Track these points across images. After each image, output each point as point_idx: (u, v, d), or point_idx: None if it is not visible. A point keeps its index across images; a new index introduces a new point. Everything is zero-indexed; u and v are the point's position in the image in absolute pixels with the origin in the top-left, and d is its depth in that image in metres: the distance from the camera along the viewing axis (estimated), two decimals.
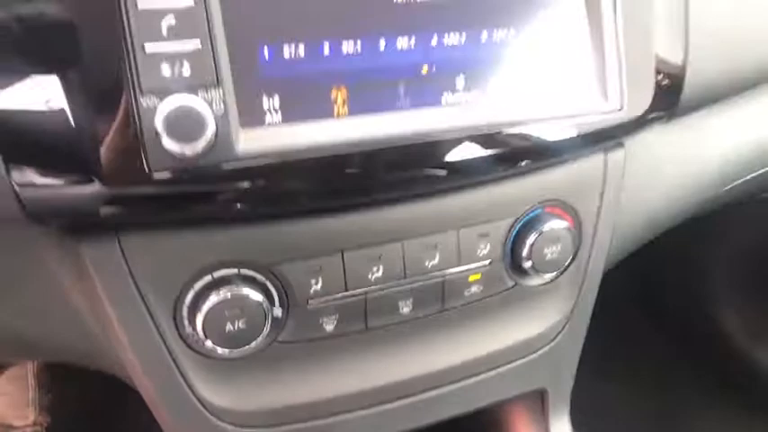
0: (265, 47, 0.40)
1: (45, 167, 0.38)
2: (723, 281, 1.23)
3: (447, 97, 0.45)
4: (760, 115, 0.69)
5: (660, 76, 0.51)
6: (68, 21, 0.36)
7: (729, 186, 0.73)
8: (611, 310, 0.88)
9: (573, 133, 0.48)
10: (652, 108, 0.51)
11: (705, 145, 0.66)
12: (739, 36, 0.57)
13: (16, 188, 0.38)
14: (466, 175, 0.48)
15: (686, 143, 0.64)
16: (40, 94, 0.37)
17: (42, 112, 0.37)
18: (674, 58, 0.53)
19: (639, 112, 0.51)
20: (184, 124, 0.36)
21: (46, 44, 0.37)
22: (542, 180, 0.53)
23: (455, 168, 0.46)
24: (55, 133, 0.37)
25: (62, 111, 0.37)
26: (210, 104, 0.38)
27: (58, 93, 0.37)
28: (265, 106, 0.40)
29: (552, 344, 0.61)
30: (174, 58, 0.37)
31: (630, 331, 1.29)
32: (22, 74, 0.37)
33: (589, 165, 0.55)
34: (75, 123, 0.37)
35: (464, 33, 0.45)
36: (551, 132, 0.48)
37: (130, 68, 0.36)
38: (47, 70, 0.37)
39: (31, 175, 0.38)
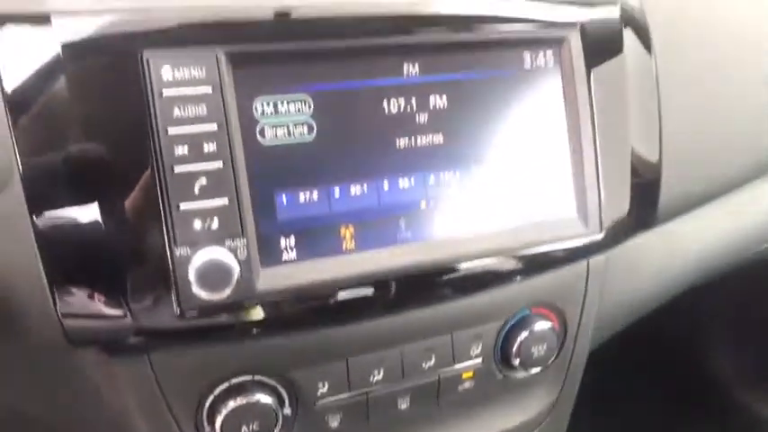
0: (283, 195, 0.46)
1: (87, 302, 0.43)
2: (719, 333, 1.26)
3: (443, 229, 0.50)
4: (737, 210, 0.74)
5: (636, 199, 0.57)
6: (112, 179, 0.42)
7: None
8: (604, 368, 0.92)
9: (557, 256, 0.54)
10: (629, 227, 0.57)
11: (685, 239, 0.71)
12: (710, 154, 0.63)
13: (61, 318, 0.43)
14: (462, 292, 0.53)
15: (666, 239, 0.69)
16: (86, 239, 0.42)
17: (87, 253, 0.43)
18: (650, 181, 0.58)
19: (618, 233, 0.56)
20: (213, 275, 0.42)
21: (92, 194, 0.42)
22: (529, 286, 0.58)
23: (453, 289, 0.52)
24: (97, 274, 0.43)
25: (104, 255, 0.43)
26: (235, 252, 0.43)
27: (102, 239, 0.42)
28: (282, 245, 0.46)
29: (539, 429, 0.66)
30: (204, 214, 0.42)
31: (626, 387, 1.31)
32: (71, 212, 0.42)
33: (572, 270, 0.60)
34: (114, 265, 0.43)
35: (457, 170, 0.50)
36: (537, 257, 0.53)
37: (166, 224, 0.42)
38: (92, 218, 0.42)
39: (74, 307, 0.43)
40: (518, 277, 0.55)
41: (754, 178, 0.70)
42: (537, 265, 0.54)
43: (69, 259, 0.43)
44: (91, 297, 0.43)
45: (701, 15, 0.65)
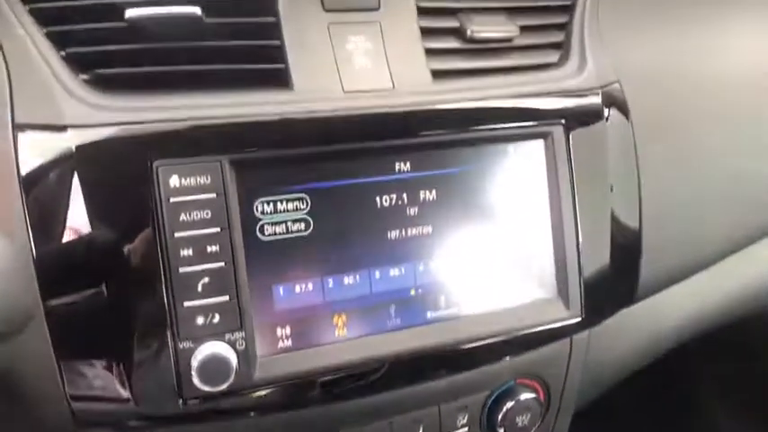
0: (281, 288, 0.49)
1: (94, 386, 0.46)
2: (716, 385, 1.26)
3: (431, 315, 0.53)
4: (720, 276, 0.76)
5: (617, 279, 0.60)
6: (121, 275, 0.45)
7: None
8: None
9: (540, 337, 0.57)
10: (610, 306, 0.60)
11: (668, 306, 0.74)
12: (691, 234, 0.66)
13: (69, 400, 0.46)
14: (450, 373, 0.56)
15: (649, 306, 0.72)
16: (95, 329, 0.46)
17: (96, 342, 0.46)
18: (630, 262, 0.61)
19: (598, 312, 0.59)
20: (213, 369, 0.45)
21: (101, 288, 0.45)
22: (514, 360, 0.61)
23: (441, 370, 0.55)
24: (105, 361, 0.46)
25: (111, 345, 0.46)
26: (234, 345, 0.46)
27: (110, 330, 0.46)
28: (278, 334, 0.49)
29: None
30: (206, 310, 0.46)
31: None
32: (81, 303, 0.45)
33: (556, 344, 0.63)
34: (121, 354, 0.46)
35: (445, 258, 0.53)
36: (521, 339, 0.56)
37: (170, 319, 0.45)
38: (101, 311, 0.45)
39: (82, 390, 0.46)
40: (504, 357, 0.58)
41: (735, 251, 0.73)
42: (521, 346, 0.57)
43: (79, 346, 0.46)
44: (98, 382, 0.46)
45: (682, 93, 0.68)
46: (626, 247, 0.61)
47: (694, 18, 0.68)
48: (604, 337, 0.68)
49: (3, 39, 0.46)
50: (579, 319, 0.57)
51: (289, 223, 0.48)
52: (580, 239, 0.57)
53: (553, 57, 0.60)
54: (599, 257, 0.59)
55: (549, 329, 0.57)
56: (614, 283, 0.60)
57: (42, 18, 0.46)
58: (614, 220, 0.60)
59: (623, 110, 0.61)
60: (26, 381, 0.47)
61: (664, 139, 0.64)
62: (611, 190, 0.59)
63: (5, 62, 0.45)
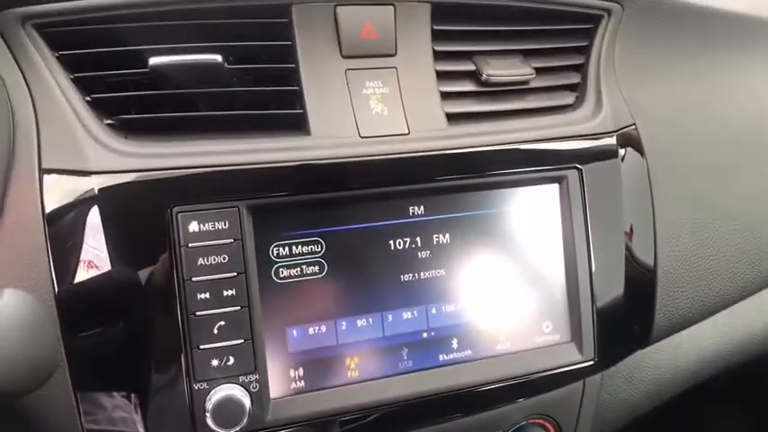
0: (294, 330, 0.49)
1: (110, 423, 0.47)
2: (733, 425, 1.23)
3: (443, 357, 0.54)
4: (734, 317, 0.76)
5: (631, 323, 0.60)
6: (138, 315, 0.46)
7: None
8: None
9: (553, 381, 0.57)
10: (624, 349, 0.60)
11: (681, 347, 0.73)
12: (707, 276, 0.65)
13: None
14: (461, 415, 0.56)
15: (662, 348, 0.71)
16: (112, 368, 0.47)
17: (112, 381, 0.47)
18: (644, 305, 0.61)
19: (612, 356, 0.59)
20: (228, 411, 0.46)
21: (119, 328, 0.46)
22: (527, 400, 0.61)
23: (452, 413, 0.55)
24: (121, 400, 0.47)
25: (128, 385, 0.47)
26: (248, 387, 0.47)
27: (127, 371, 0.47)
28: (291, 376, 0.49)
29: None
30: (222, 353, 0.46)
31: None
32: (100, 342, 0.46)
33: (569, 387, 0.63)
34: (136, 394, 0.47)
35: (458, 301, 0.54)
36: (534, 382, 0.56)
37: (186, 362, 0.46)
38: (119, 351, 0.46)
39: (100, 427, 0.47)
40: (516, 400, 0.58)
41: (752, 293, 0.72)
42: (533, 389, 0.57)
43: (97, 385, 0.47)
44: (115, 420, 0.47)
45: (698, 135, 0.67)
46: (641, 289, 0.61)
47: (709, 62, 0.68)
48: (618, 377, 0.68)
49: (31, 84, 0.47)
50: (592, 363, 0.57)
51: (303, 266, 0.49)
52: (594, 283, 0.57)
53: (569, 99, 0.60)
54: (613, 301, 0.58)
55: (562, 373, 0.57)
56: (629, 326, 0.60)
57: (69, 64, 0.48)
58: (629, 262, 0.59)
59: (639, 152, 0.61)
60: (45, 414, 0.48)
61: (679, 180, 0.64)
62: (630, 232, 0.59)
63: (34, 106, 0.47)
